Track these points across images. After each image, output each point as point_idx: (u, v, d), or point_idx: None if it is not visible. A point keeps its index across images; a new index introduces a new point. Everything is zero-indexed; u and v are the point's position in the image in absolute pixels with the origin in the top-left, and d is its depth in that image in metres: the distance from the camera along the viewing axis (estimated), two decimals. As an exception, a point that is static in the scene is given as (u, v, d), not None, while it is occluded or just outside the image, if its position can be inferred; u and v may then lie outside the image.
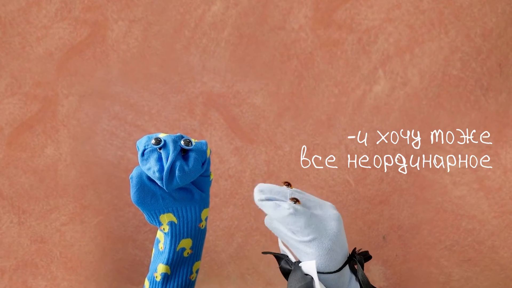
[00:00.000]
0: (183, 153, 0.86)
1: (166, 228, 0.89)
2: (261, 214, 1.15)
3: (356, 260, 0.83)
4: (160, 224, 0.89)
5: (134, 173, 0.88)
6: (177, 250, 0.89)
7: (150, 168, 0.85)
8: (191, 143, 0.86)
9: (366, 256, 0.86)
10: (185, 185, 0.87)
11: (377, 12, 1.11)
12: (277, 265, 1.14)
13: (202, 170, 0.87)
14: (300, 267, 0.82)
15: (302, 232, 0.80)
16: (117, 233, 1.17)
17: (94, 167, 1.17)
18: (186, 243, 0.89)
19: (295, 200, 0.82)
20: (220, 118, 1.15)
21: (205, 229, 0.91)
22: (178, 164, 0.84)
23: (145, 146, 0.86)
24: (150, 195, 0.87)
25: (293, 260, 0.85)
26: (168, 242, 0.89)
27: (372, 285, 0.84)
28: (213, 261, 1.17)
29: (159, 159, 0.85)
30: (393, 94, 1.14)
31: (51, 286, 1.17)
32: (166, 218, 0.88)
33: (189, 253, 0.90)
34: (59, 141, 1.16)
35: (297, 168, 1.15)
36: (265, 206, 0.81)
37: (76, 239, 1.18)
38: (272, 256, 1.16)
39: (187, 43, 1.14)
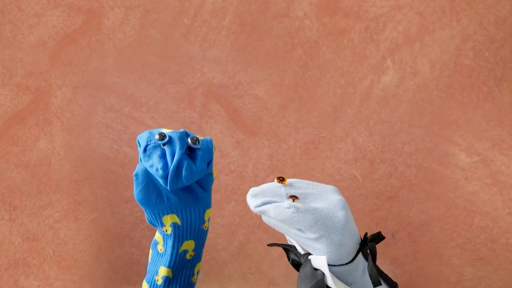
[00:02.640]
0: (189, 152, 0.86)
1: (169, 230, 0.88)
2: None
3: (368, 248, 0.81)
4: (162, 225, 0.88)
5: (138, 169, 0.87)
6: (180, 252, 0.88)
7: (153, 165, 0.84)
8: (199, 141, 0.86)
9: (379, 239, 0.83)
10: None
11: (385, -2, 1.13)
12: (281, 264, 1.15)
13: (208, 170, 0.87)
14: (309, 261, 0.80)
15: (309, 230, 0.78)
16: (113, 231, 1.17)
17: (89, 161, 1.17)
18: (188, 245, 0.89)
19: (294, 198, 0.79)
20: (221, 110, 1.15)
21: (207, 230, 0.91)
22: (185, 163, 0.84)
23: (147, 142, 0.85)
24: (155, 194, 0.86)
25: (302, 252, 0.83)
26: (170, 244, 0.88)
27: (385, 275, 0.83)
28: (214, 260, 1.17)
29: (163, 155, 0.85)
30: (402, 85, 1.14)
31: (44, 286, 1.18)
32: (170, 220, 0.88)
33: (191, 255, 0.89)
34: (52, 134, 1.16)
35: (301, 162, 1.15)
36: (266, 211, 0.79)
37: (70, 236, 1.17)
38: (276, 255, 1.16)
39: (186, 32, 1.14)
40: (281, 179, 0.82)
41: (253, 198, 0.80)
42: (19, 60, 1.15)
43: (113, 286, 1.18)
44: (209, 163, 0.87)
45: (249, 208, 1.08)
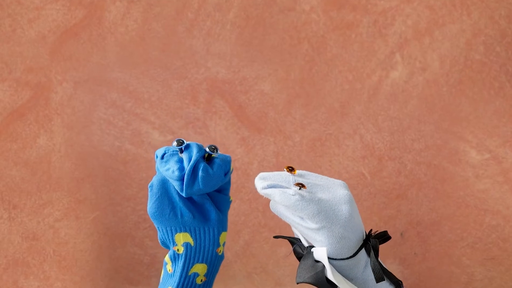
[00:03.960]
0: (207, 161, 0.87)
1: (181, 250, 0.88)
2: (269, 209, 1.10)
3: (370, 245, 0.83)
4: (174, 244, 0.88)
5: (154, 180, 0.88)
6: (189, 274, 0.88)
7: (169, 168, 0.85)
8: (217, 150, 0.88)
9: (384, 238, 0.86)
10: (204, 201, 0.88)
11: (394, -9, 1.14)
12: (287, 264, 1.16)
13: (224, 180, 0.88)
14: (311, 253, 0.82)
15: (311, 220, 0.80)
16: (115, 230, 1.18)
17: (90, 158, 1.17)
18: (200, 269, 0.88)
19: (300, 186, 0.81)
20: (226, 106, 1.16)
21: (222, 255, 0.90)
22: (202, 165, 0.85)
23: (165, 151, 0.87)
24: (169, 208, 0.87)
25: (306, 244, 0.85)
26: (180, 265, 0.88)
27: (388, 273, 0.84)
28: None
29: (180, 161, 0.86)
30: (412, 80, 1.14)
31: (44, 287, 1.18)
32: (182, 238, 0.88)
33: (202, 280, 0.88)
34: (52, 131, 1.16)
35: (308, 159, 1.16)
36: (270, 194, 0.82)
37: (70, 236, 1.18)
38: (282, 254, 1.17)
39: (190, 26, 1.15)
40: (291, 169, 0.84)
41: (261, 180, 0.83)
42: (18, 55, 1.15)
43: (114, 286, 1.18)
44: (226, 174, 0.88)
45: (254, 205, 1.16)
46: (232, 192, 1.15)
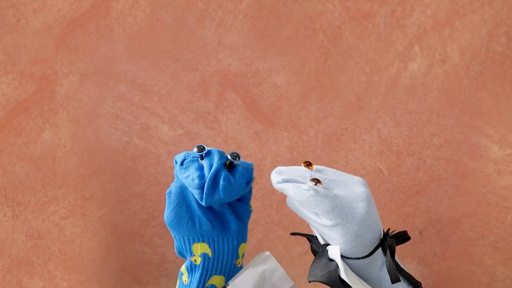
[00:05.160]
0: (228, 169, 0.87)
1: (198, 260, 0.87)
2: (283, 206, 1.17)
3: (387, 244, 0.83)
4: (191, 254, 0.88)
5: (172, 187, 0.88)
6: (206, 286, 0.87)
7: (189, 176, 0.85)
8: (239, 157, 0.87)
9: (402, 238, 0.86)
10: (224, 210, 0.87)
11: (413, -20, 1.15)
12: (302, 263, 1.17)
13: (246, 189, 0.87)
14: (326, 251, 0.83)
15: (326, 216, 0.81)
16: (123, 228, 1.18)
17: (97, 154, 1.18)
18: (218, 281, 0.88)
19: (316, 181, 0.82)
20: (238, 100, 1.16)
21: (241, 267, 0.90)
22: (223, 173, 0.85)
23: (185, 157, 0.87)
24: (187, 216, 0.87)
25: (322, 242, 0.86)
26: (197, 276, 0.87)
27: (407, 274, 0.84)
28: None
29: (200, 168, 0.86)
30: (431, 72, 1.15)
31: (49, 287, 1.18)
32: (200, 249, 0.87)
33: None
34: (57, 125, 1.17)
35: (323, 155, 1.16)
36: (285, 189, 0.83)
37: (77, 234, 1.18)
38: (296, 254, 1.17)
39: (201, 16, 1.16)
40: (308, 164, 0.84)
41: (277, 174, 0.84)
42: (22, 46, 1.16)
43: (122, 287, 1.19)
44: (248, 183, 0.87)
45: (268, 203, 1.16)
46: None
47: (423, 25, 1.14)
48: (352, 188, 0.83)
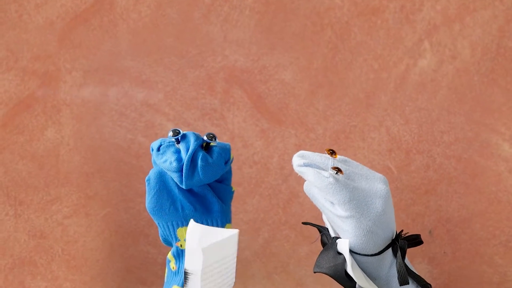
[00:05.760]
0: (205, 150, 0.88)
1: (184, 245, 0.88)
2: (290, 205, 1.17)
3: (398, 245, 0.83)
4: (176, 239, 0.89)
5: (151, 173, 0.89)
6: None
7: (167, 160, 0.86)
8: (215, 138, 0.88)
9: (415, 241, 0.87)
10: (205, 192, 0.88)
11: (423, -25, 1.16)
12: (309, 263, 1.16)
13: (225, 169, 0.88)
14: (335, 244, 0.83)
15: (341, 206, 0.81)
16: (127, 227, 1.19)
17: (100, 152, 1.18)
18: None
19: (337, 170, 0.82)
20: (244, 97, 1.16)
21: None
22: (200, 154, 0.85)
23: (161, 142, 0.88)
24: (169, 201, 0.88)
25: (333, 234, 0.86)
26: (184, 261, 0.87)
27: (416, 275, 0.84)
28: (236, 259, 1.14)
29: (177, 152, 0.87)
30: (441, 69, 1.15)
31: (52, 287, 1.18)
32: (185, 233, 0.87)
33: None
34: (60, 123, 1.17)
35: None
36: (305, 173, 0.83)
37: (80, 234, 1.18)
38: (303, 254, 1.17)
39: (207, 11, 1.16)
40: (332, 152, 0.85)
41: (299, 158, 0.84)
42: (25, 42, 1.15)
43: (126, 287, 1.19)
44: (227, 162, 0.88)
45: (275, 202, 1.16)
46: (251, 188, 1.17)
47: (433, 21, 1.14)
48: (372, 183, 0.84)
